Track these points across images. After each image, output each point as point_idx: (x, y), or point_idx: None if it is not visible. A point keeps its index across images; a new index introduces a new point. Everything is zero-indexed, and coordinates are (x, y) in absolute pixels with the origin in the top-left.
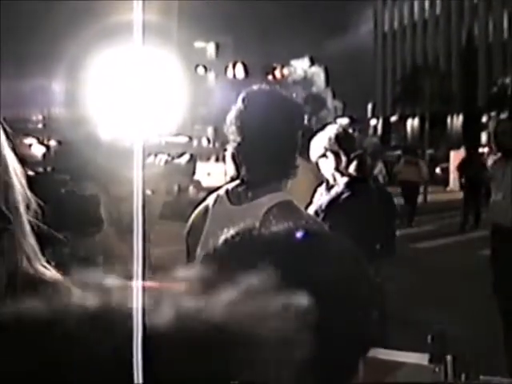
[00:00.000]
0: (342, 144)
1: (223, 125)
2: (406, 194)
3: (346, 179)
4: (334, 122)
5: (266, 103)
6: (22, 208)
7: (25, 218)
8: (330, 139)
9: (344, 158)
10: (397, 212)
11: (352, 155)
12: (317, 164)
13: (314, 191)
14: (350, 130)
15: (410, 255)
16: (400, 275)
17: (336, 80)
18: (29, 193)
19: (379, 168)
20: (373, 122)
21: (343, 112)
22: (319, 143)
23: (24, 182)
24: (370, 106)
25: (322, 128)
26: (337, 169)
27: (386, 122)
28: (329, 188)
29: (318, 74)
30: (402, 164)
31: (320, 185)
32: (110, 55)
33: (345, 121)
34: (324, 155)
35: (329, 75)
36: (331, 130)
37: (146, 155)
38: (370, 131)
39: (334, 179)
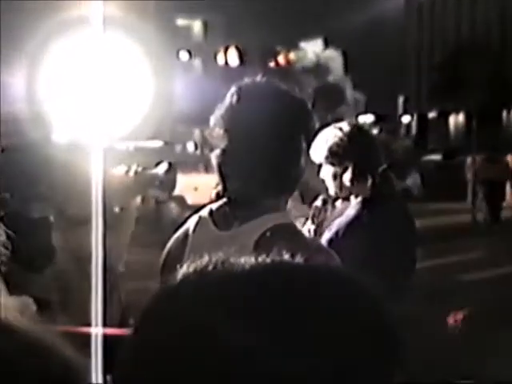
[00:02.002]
0: (356, 151)
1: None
2: (489, 194)
3: (360, 197)
4: (356, 119)
5: (261, 100)
6: None
7: None
8: (347, 142)
9: (369, 174)
10: (417, 235)
11: (379, 171)
12: (319, 167)
13: None
14: (375, 131)
15: (455, 289)
16: (440, 316)
17: (357, 66)
18: None
19: (414, 179)
20: (405, 119)
21: (366, 107)
22: (330, 143)
23: None
24: (400, 100)
25: (336, 121)
26: (354, 183)
27: (422, 120)
28: (331, 203)
29: (333, 58)
30: (482, 164)
31: (315, 198)
32: (69, 48)
33: (369, 118)
34: (340, 162)
35: (347, 60)
36: (345, 126)
37: (114, 164)
38: (402, 131)
39: (340, 191)
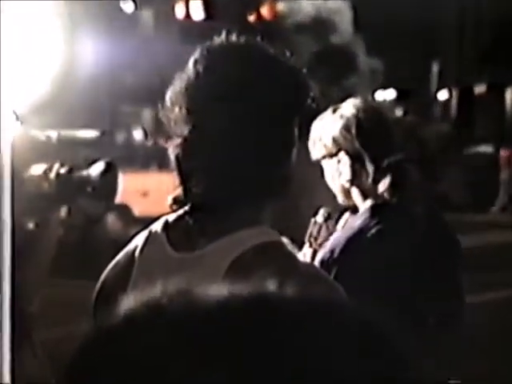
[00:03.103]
0: (367, 138)
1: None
2: None
3: (370, 202)
4: (372, 96)
5: (238, 68)
6: None
7: None
8: (343, 127)
9: (370, 166)
10: (463, 258)
11: (385, 162)
12: (320, 166)
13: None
14: (398, 112)
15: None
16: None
17: (373, 23)
18: None
19: (453, 179)
20: (441, 95)
21: (386, 79)
22: (325, 131)
23: None
24: (435, 68)
25: (341, 101)
26: (355, 183)
27: (466, 96)
28: (337, 218)
29: (339, 12)
30: None
31: (346, 210)
32: None
33: (390, 94)
34: (332, 155)
35: (359, 14)
36: (347, 109)
37: (28, 162)
38: (437, 112)
39: (347, 197)
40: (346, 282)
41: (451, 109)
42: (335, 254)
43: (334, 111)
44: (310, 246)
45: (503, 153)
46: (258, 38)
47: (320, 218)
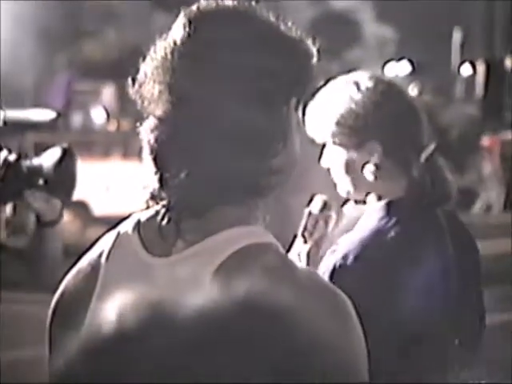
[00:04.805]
0: (387, 123)
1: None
2: None
3: (384, 201)
4: (382, 70)
5: (226, 36)
6: None
7: None
8: (365, 102)
9: (386, 158)
10: (481, 270)
11: (423, 156)
12: (322, 148)
13: None
14: (413, 90)
15: None
16: None
17: None
18: None
19: (477, 171)
20: (465, 70)
21: (398, 50)
22: (328, 112)
23: None
24: (457, 37)
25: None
26: (375, 176)
27: (496, 71)
28: (337, 209)
29: None
30: None
31: (348, 200)
32: None
33: (403, 69)
34: (336, 140)
35: None
36: (364, 80)
37: None
38: (458, 92)
39: (356, 190)
40: (362, 294)
41: (477, 86)
42: (349, 261)
43: (349, 83)
44: (305, 241)
45: (486, 141)
46: (250, 2)
47: (315, 207)
